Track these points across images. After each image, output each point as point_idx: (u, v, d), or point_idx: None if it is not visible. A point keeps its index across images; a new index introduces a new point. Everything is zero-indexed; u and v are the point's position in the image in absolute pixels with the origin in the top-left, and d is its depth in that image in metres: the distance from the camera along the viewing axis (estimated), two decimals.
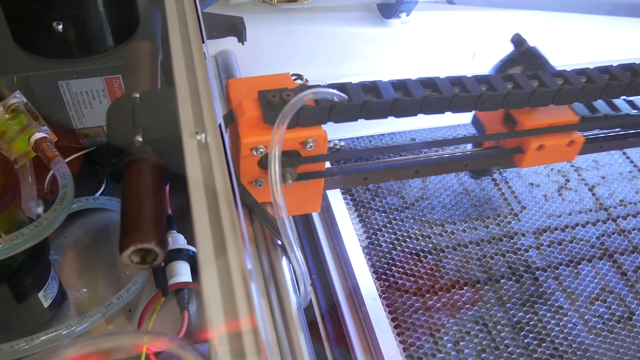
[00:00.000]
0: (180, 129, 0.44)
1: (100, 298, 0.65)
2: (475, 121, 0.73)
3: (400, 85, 0.54)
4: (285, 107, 0.47)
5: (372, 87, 0.53)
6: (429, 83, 0.55)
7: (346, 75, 0.85)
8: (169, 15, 0.56)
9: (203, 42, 0.56)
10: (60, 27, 0.53)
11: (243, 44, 0.72)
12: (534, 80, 0.58)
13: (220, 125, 0.46)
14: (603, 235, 0.77)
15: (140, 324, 0.59)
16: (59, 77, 0.64)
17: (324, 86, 0.52)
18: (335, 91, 0.50)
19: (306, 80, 0.68)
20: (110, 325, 0.63)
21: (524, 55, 0.69)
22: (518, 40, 0.70)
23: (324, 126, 0.53)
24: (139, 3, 0.69)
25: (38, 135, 0.60)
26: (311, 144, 0.51)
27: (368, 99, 0.51)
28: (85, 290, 0.64)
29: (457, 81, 0.56)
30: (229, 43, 0.76)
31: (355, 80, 0.88)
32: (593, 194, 0.82)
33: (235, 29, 0.71)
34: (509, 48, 0.93)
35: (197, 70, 0.49)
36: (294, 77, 0.68)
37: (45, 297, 0.60)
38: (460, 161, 0.64)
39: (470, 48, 0.89)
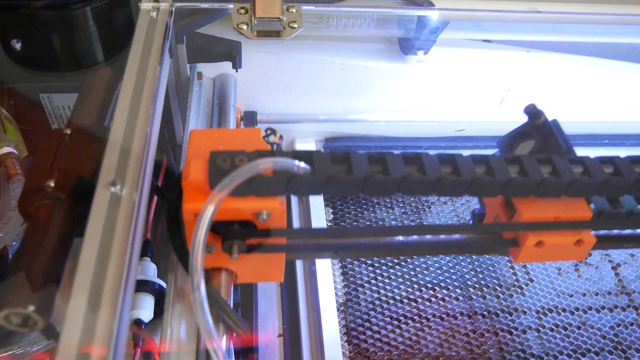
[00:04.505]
0: (98, 177, 0.40)
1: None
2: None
3: (379, 159, 0.46)
4: (226, 177, 0.41)
5: (344, 159, 0.45)
6: (413, 159, 0.46)
7: (355, 109, 0.79)
8: (135, 42, 0.52)
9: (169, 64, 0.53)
10: (19, 45, 0.51)
11: (237, 70, 0.68)
12: (545, 166, 0.49)
13: (144, 179, 0.41)
14: (619, 325, 0.67)
15: None
16: (40, 89, 0.63)
17: (287, 152, 0.45)
18: (297, 163, 0.42)
19: (280, 137, 0.62)
20: None
21: (538, 130, 0.58)
22: (532, 112, 0.58)
23: None
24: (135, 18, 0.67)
25: (5, 149, 0.59)
26: (264, 216, 0.45)
27: (334, 174, 0.44)
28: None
29: (448, 159, 0.47)
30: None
31: (368, 117, 0.83)
32: (616, 274, 0.72)
33: (231, 54, 0.67)
34: (543, 95, 0.84)
35: (141, 110, 0.45)
36: (268, 133, 0.62)
37: None
38: (450, 246, 0.53)
39: (499, 93, 0.81)
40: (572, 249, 0.52)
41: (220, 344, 0.44)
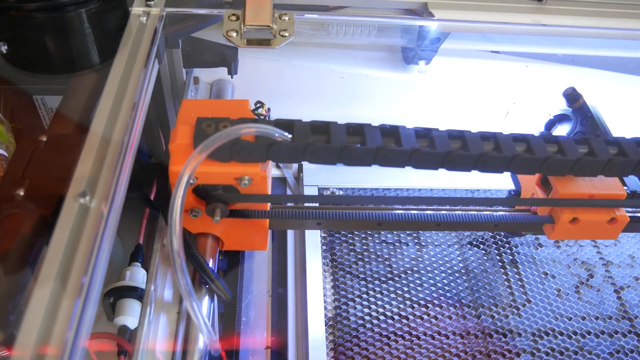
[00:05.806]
0: (69, 187, 0.40)
1: None
2: (513, 176, 0.65)
3: (357, 131, 0.48)
4: (209, 138, 0.43)
5: (323, 129, 0.47)
6: (391, 132, 0.48)
7: (355, 118, 0.78)
8: (122, 47, 0.52)
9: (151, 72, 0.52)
10: (5, 48, 0.50)
11: (232, 77, 0.67)
12: (582, 146, 0.50)
13: (115, 190, 0.40)
14: (619, 352, 0.64)
15: None
16: (33, 91, 0.63)
17: (270, 121, 0.47)
18: (277, 130, 0.44)
19: (267, 109, 0.63)
20: None
21: (575, 113, 0.63)
22: (571, 95, 0.63)
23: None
24: None
25: None
26: (246, 182, 0.47)
27: (312, 142, 0.45)
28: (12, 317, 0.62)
29: (423, 133, 0.50)
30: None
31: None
32: (619, 298, 0.70)
33: (225, 60, 0.66)
34: (551, 110, 0.82)
35: (120, 117, 0.45)
36: (257, 105, 0.64)
37: None
38: (486, 221, 0.57)
39: (504, 106, 0.79)
40: (605, 227, 0.55)
41: (199, 301, 0.49)
